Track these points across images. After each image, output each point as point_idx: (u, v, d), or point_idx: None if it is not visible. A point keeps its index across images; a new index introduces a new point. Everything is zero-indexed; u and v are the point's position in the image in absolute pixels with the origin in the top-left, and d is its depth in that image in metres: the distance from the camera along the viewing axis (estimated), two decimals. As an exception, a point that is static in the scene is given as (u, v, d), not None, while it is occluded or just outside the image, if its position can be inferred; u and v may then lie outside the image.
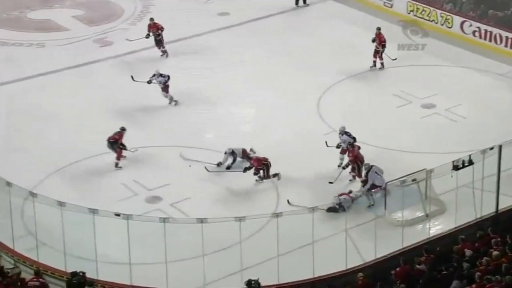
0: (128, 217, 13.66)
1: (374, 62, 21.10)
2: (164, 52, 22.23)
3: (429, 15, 23.58)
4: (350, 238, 14.56)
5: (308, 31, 23.65)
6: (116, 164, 17.74)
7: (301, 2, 25.09)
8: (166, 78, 19.75)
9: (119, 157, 17.75)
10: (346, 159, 16.68)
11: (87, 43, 23.46)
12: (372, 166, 16.10)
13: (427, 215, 15.43)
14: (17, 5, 25.86)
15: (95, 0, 26.22)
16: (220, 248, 14.64)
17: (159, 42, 22.10)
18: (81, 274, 13.48)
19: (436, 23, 23.43)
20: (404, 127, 18.64)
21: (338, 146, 17.06)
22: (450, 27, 23.07)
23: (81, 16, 25.16)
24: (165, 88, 19.89)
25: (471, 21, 22.73)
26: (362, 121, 19.00)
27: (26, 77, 21.57)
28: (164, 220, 13.81)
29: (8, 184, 14.52)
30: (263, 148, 17.42)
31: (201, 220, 13.80)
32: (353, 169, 16.62)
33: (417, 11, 23.87)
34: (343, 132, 17.13)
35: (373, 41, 20.98)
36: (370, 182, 15.94)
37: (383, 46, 20.84)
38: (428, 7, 23.57)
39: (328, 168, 16.94)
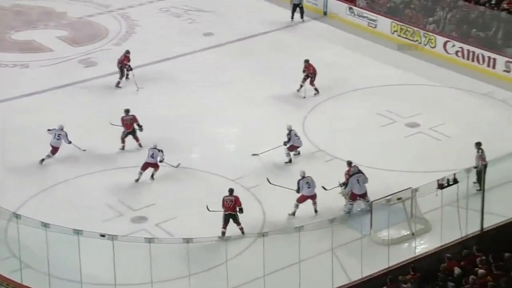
0: (113, 237, 13.59)
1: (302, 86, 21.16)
2: (118, 84, 21.58)
3: (413, 35, 23.82)
4: (336, 257, 14.56)
5: (293, 51, 23.79)
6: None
7: (297, 18, 25.33)
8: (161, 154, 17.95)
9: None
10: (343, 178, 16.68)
11: (72, 63, 23.53)
12: (358, 172, 16.10)
13: (412, 234, 15.46)
14: (1, 26, 25.93)
15: (80, 20, 26.31)
16: (206, 268, 14.67)
17: (124, 74, 21.65)
18: (65, 296, 13.40)
19: (420, 43, 23.66)
20: (389, 146, 18.79)
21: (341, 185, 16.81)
22: (433, 47, 23.31)
23: (65, 36, 25.19)
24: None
25: (454, 41, 22.96)
26: (347, 140, 19.12)
27: (10, 98, 21.59)
28: (149, 240, 13.80)
29: (-9, 205, 14.40)
30: (247, 167, 17.42)
31: (187, 240, 13.79)
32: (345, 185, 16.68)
33: (400, 31, 24.16)
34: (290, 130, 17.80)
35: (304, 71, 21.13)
36: (349, 187, 15.99)
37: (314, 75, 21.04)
38: (412, 27, 23.86)
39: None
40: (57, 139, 18.31)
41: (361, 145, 18.83)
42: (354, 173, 16.15)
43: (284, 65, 22.92)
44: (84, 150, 18.50)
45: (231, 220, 15.69)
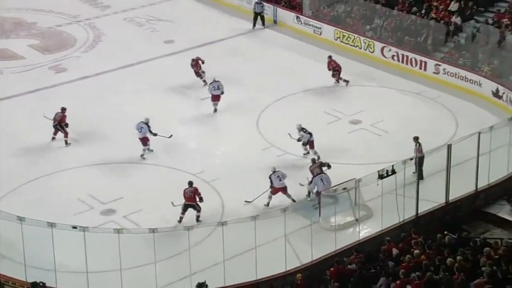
0: (84, 229, 13.52)
1: (340, 80, 21.47)
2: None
3: (354, 41, 23.86)
4: (289, 242, 14.60)
5: (249, 56, 23.62)
6: (66, 142, 18.54)
7: (258, 25, 25.14)
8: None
9: (66, 135, 18.61)
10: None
11: (43, 70, 23.17)
12: (322, 173, 16.13)
13: (356, 220, 15.62)
14: (-25, 35, 25.60)
15: (49, 30, 25.92)
16: (170, 255, 14.58)
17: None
18: (41, 284, 13.21)
19: (360, 48, 23.74)
20: (334, 141, 18.85)
21: (298, 140, 17.62)
22: (372, 52, 23.42)
23: (36, 45, 24.83)
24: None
25: (390, 46, 23.06)
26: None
27: (-16, 102, 21.26)
28: (118, 231, 13.77)
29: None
30: (207, 162, 17.39)
31: (153, 230, 13.72)
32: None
33: (343, 37, 24.18)
34: (300, 129, 17.61)
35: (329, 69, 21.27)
36: (314, 185, 16.00)
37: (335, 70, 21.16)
38: (353, 34, 23.95)
39: (266, 180, 16.91)
40: (139, 131, 18.07)
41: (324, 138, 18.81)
42: (318, 173, 16.13)
43: (240, 69, 22.81)
44: (170, 136, 17.89)
45: (190, 208, 15.65)
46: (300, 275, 13.75)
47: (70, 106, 20.59)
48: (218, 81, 19.88)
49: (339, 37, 24.28)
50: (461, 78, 21.55)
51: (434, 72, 22.14)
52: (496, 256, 12.79)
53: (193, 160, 18.08)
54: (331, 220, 15.40)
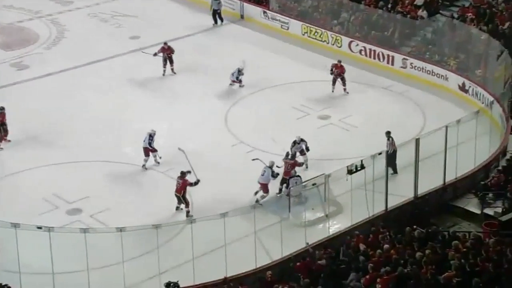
0: (49, 229, 13.39)
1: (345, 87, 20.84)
2: None
3: (321, 36, 23.87)
4: (259, 239, 14.62)
5: (214, 52, 23.50)
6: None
7: (219, 22, 25.12)
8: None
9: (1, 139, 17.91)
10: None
11: (4, 67, 22.82)
12: (297, 176, 16.26)
13: (326, 216, 15.73)
14: None
15: (10, 26, 25.55)
16: (139, 254, 14.49)
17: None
18: (5, 286, 13.03)
19: (327, 43, 23.77)
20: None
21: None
22: (339, 47, 23.45)
23: (-3, 41, 24.60)
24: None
25: (357, 41, 23.10)
26: (266, 132, 19.11)
27: None
28: (84, 230, 13.66)
29: None
30: (175, 160, 17.28)
31: (120, 229, 13.62)
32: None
33: (310, 32, 24.17)
34: (300, 141, 17.32)
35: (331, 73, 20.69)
36: (290, 186, 16.06)
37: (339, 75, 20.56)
38: (320, 29, 23.94)
39: (235, 176, 17.04)
40: (143, 141, 17.70)
41: (279, 136, 18.83)
42: (293, 175, 16.24)
43: (206, 65, 22.63)
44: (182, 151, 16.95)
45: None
46: (270, 272, 13.77)
47: (34, 104, 20.43)
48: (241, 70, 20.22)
49: (307, 32, 24.25)
50: (428, 72, 21.73)
51: (401, 67, 22.29)
52: (464, 249, 12.94)
53: (162, 157, 18.00)
54: (301, 216, 15.47)
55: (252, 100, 21.05)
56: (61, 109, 20.22)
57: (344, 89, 20.80)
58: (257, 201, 15.95)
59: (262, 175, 16.12)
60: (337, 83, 20.80)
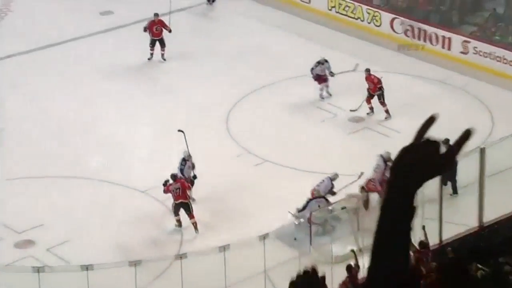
0: (-9, 267, 13.38)
1: (371, 108, 20.39)
2: None
3: (354, 11, 23.96)
4: (270, 280, 14.59)
5: (212, 33, 23.69)
6: None
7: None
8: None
9: None
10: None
11: None
12: (322, 197, 16.32)
13: (360, 250, 15.50)
14: None
15: None
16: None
17: None
18: None
19: (362, 20, 23.82)
20: (330, 144, 18.95)
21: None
22: (378, 26, 23.56)
23: None
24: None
25: (402, 18, 23.15)
26: (280, 140, 19.10)
27: None
28: (38, 269, 13.75)
29: None
30: (161, 174, 17.12)
31: (86, 267, 13.66)
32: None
33: (339, 7, 24.27)
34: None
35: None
36: (308, 210, 16.12)
37: (380, 89, 19.94)
38: (352, 2, 23.93)
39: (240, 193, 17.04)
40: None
41: (297, 145, 18.85)
42: (317, 196, 16.37)
43: (200, 50, 22.75)
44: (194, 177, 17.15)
45: (183, 210, 16.00)
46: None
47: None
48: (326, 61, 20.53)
49: (334, 6, 24.30)
50: (498, 59, 21.71)
51: (461, 52, 22.27)
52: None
53: (141, 172, 18.03)
54: (326, 250, 15.44)
55: (261, 96, 20.98)
56: (8, 106, 20.31)
57: (386, 111, 20.15)
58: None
59: (319, 185, 16.25)
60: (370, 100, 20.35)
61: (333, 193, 16.48)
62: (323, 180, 16.54)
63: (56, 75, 21.73)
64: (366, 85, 19.94)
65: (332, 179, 16.53)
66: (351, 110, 20.20)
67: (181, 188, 16.06)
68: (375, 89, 19.87)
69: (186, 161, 16.90)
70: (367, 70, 20.05)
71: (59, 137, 19.33)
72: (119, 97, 20.97)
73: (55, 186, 17.78)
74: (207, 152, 18.40)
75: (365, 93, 20.01)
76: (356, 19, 23.96)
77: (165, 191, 16.22)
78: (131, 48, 22.53)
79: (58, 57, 22.51)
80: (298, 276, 3.26)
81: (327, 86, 20.68)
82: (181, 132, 16.54)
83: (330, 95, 20.70)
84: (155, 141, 19.34)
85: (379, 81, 19.85)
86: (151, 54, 22.05)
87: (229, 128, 19.69)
